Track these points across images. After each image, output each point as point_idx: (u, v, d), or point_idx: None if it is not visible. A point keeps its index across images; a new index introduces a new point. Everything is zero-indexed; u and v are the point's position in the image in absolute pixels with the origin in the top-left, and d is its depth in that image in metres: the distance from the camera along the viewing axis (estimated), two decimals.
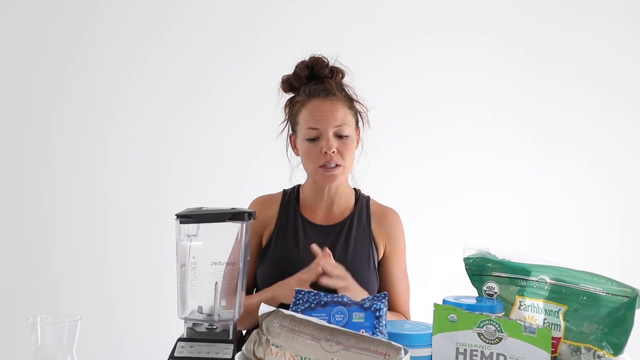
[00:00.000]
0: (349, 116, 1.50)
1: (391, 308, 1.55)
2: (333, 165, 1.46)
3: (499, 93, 2.85)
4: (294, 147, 1.58)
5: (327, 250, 1.41)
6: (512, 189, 2.83)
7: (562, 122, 2.85)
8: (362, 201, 1.60)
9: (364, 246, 1.54)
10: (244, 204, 1.61)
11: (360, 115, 1.57)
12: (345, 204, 1.59)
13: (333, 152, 1.45)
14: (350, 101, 1.53)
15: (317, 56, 1.54)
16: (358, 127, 1.56)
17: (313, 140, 1.48)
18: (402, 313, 1.58)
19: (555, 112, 2.85)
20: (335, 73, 1.53)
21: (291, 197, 1.60)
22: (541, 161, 2.85)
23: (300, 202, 1.60)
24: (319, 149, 1.47)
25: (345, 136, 1.48)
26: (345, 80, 1.55)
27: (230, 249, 1.28)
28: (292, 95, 1.57)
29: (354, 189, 1.63)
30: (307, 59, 1.54)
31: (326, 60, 1.54)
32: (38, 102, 2.88)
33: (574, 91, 2.85)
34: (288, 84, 1.56)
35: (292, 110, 1.55)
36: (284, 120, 1.61)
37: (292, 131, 1.58)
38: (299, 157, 1.57)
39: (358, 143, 1.56)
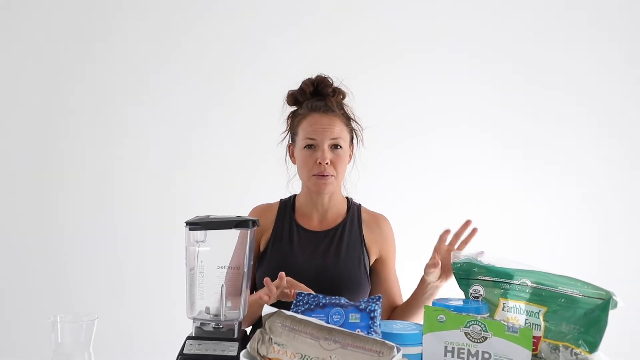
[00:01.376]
0: (345, 132, 1.58)
1: (389, 308, 1.63)
2: (326, 174, 1.54)
3: (487, 110, 2.96)
4: (292, 156, 1.66)
5: (282, 274, 1.39)
6: (497, 199, 2.93)
7: (545, 138, 2.96)
8: (353, 209, 1.67)
9: (356, 250, 1.60)
10: (245, 211, 1.68)
11: (355, 133, 1.64)
12: (337, 211, 1.65)
13: (327, 163, 1.53)
14: (347, 119, 1.61)
15: (323, 75, 1.62)
16: (352, 144, 1.63)
17: (310, 148, 1.56)
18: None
19: (539, 129, 2.96)
20: (337, 93, 1.61)
21: (287, 206, 1.67)
22: (525, 173, 2.97)
23: (295, 210, 1.66)
24: (315, 158, 1.54)
25: (340, 147, 1.56)
26: (346, 101, 1.63)
27: (233, 254, 1.34)
28: (295, 108, 1.65)
29: (346, 197, 1.70)
30: (314, 76, 1.62)
31: (331, 81, 1.62)
32: (54, 111, 2.95)
33: (556, 108, 2.96)
34: (293, 97, 1.64)
35: (294, 122, 1.63)
36: (285, 131, 1.68)
37: (292, 141, 1.65)
38: (296, 166, 1.64)
39: (351, 158, 1.64)
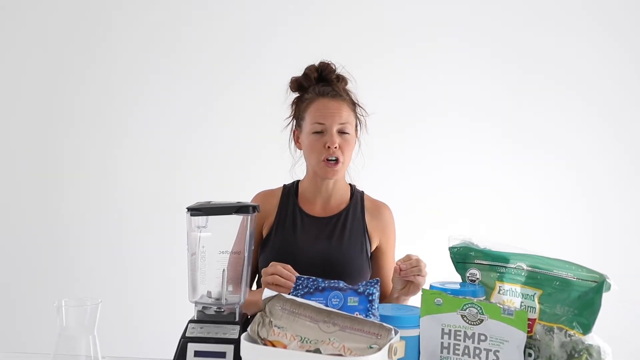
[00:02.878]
0: (352, 117, 1.60)
1: (384, 296, 1.63)
2: (334, 159, 1.55)
3: (484, 98, 2.99)
4: (297, 142, 1.66)
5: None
6: (495, 187, 2.97)
7: (538, 124, 2.99)
8: (357, 196, 1.69)
9: (358, 237, 1.62)
10: (247, 198, 1.70)
11: (359, 119, 1.65)
12: (341, 198, 1.67)
13: (335, 147, 1.54)
14: (353, 105, 1.63)
15: (326, 62, 1.63)
16: (357, 130, 1.65)
17: (318, 133, 1.56)
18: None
19: (533, 116, 3.00)
20: (341, 79, 1.63)
21: (290, 192, 1.68)
22: (523, 161, 3.00)
23: (299, 196, 1.68)
24: (323, 143, 1.55)
25: (347, 134, 1.57)
26: (348, 87, 1.65)
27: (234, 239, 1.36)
28: (299, 94, 1.66)
29: (350, 184, 1.72)
30: (317, 63, 1.63)
31: (334, 67, 1.63)
32: (57, 99, 2.99)
33: (550, 96, 2.99)
34: (297, 83, 1.64)
35: (300, 107, 1.63)
36: (289, 117, 1.68)
37: (297, 126, 1.65)
38: (301, 151, 1.65)
39: (355, 144, 1.65)
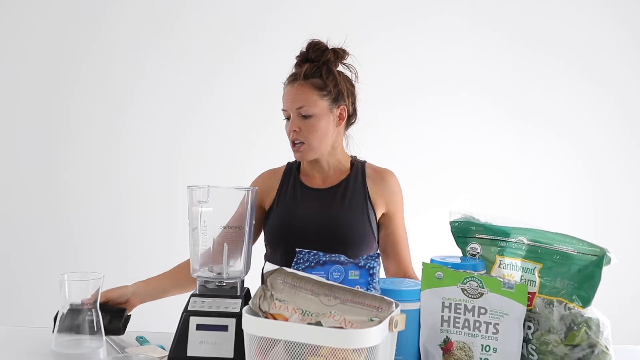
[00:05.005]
0: (314, 98, 1.56)
1: (396, 261, 1.65)
2: (298, 142, 1.58)
3: (486, 76, 3.01)
4: None
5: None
6: (495, 161, 3.00)
7: (539, 101, 3.01)
8: (357, 166, 1.69)
9: (359, 203, 1.62)
10: (251, 178, 1.74)
11: (348, 93, 1.62)
12: (340, 169, 1.68)
13: (295, 131, 1.57)
14: (323, 82, 1.57)
15: (314, 40, 1.61)
16: (339, 104, 1.61)
17: (286, 120, 1.61)
18: (406, 268, 1.66)
19: (533, 93, 3.01)
20: (329, 55, 1.59)
21: (293, 167, 1.72)
22: (520, 136, 3.02)
23: (300, 171, 1.71)
24: (289, 129, 1.60)
25: (309, 116, 1.56)
26: (343, 61, 1.63)
27: (235, 214, 1.37)
28: None
29: (351, 156, 1.72)
30: (306, 43, 1.62)
31: (324, 45, 1.60)
32: (60, 75, 3.00)
33: (551, 73, 3.00)
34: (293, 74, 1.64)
35: None
36: None
37: None
38: None
39: (342, 119, 1.63)
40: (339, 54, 1.62)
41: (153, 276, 1.54)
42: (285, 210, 1.64)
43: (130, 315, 1.36)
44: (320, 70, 1.59)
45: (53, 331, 1.17)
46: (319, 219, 1.60)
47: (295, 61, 1.65)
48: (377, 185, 1.66)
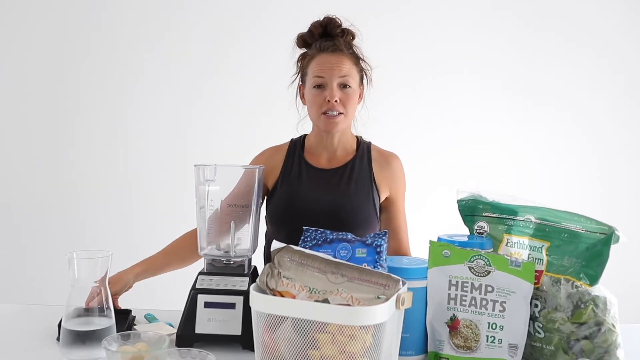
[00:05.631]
0: (354, 71, 1.58)
1: (395, 246, 1.65)
2: (335, 113, 1.55)
3: (493, 55, 2.99)
4: (302, 98, 1.66)
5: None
6: (503, 140, 2.99)
7: (548, 80, 2.99)
8: (363, 147, 1.68)
9: (365, 187, 1.62)
10: (254, 153, 1.72)
11: (365, 73, 1.64)
12: (346, 150, 1.67)
13: (336, 100, 1.54)
14: (356, 59, 1.61)
15: (331, 16, 1.61)
16: (362, 84, 1.63)
17: (319, 87, 1.56)
18: (405, 252, 1.67)
19: (542, 72, 2.99)
20: (346, 34, 1.61)
21: (297, 145, 1.69)
22: (529, 115, 3.00)
23: (305, 149, 1.69)
24: (324, 97, 1.55)
25: (349, 87, 1.56)
26: (355, 42, 1.62)
27: (238, 192, 1.38)
28: (305, 50, 1.65)
29: (357, 136, 1.71)
30: (322, 18, 1.61)
31: (339, 21, 1.61)
32: (67, 56, 3.02)
33: (559, 52, 2.98)
34: (302, 40, 1.64)
35: (303, 63, 1.64)
36: (295, 73, 1.68)
37: (302, 82, 1.65)
38: (306, 107, 1.65)
39: (361, 98, 1.64)
40: (352, 35, 1.62)
41: (148, 257, 1.54)
42: (290, 190, 1.63)
43: (135, 316, 1.37)
44: (352, 47, 1.61)
45: (58, 339, 1.17)
46: (324, 200, 1.59)
47: (305, 33, 1.63)
48: (382, 169, 1.66)
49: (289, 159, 1.68)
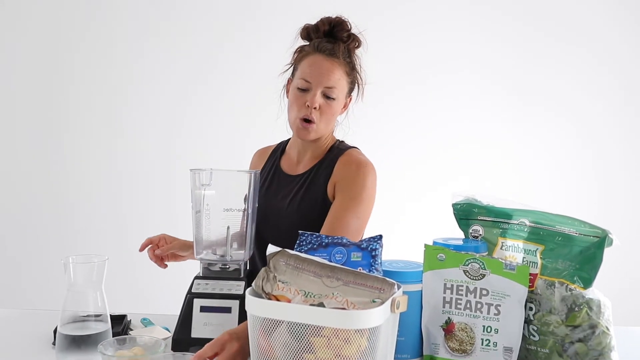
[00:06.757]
0: (343, 82, 1.51)
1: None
2: (310, 120, 1.49)
3: (491, 57, 2.99)
4: (287, 91, 1.60)
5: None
6: (498, 143, 3.00)
7: (540, 82, 3.00)
8: (333, 152, 1.59)
9: (317, 194, 1.53)
10: (249, 154, 1.72)
11: (358, 86, 1.58)
12: (316, 156, 1.59)
13: (315, 107, 1.48)
14: (350, 68, 1.54)
15: (343, 18, 1.54)
16: (350, 96, 1.57)
17: (302, 91, 1.50)
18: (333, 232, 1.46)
19: (539, 75, 3.00)
20: (352, 40, 1.54)
21: (279, 149, 1.66)
22: (521, 117, 3.02)
23: (284, 153, 1.65)
24: (304, 100, 1.49)
25: (332, 98, 1.49)
26: (358, 51, 1.56)
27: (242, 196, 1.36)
28: (304, 44, 1.58)
29: (338, 140, 1.63)
30: (334, 16, 1.54)
31: (349, 26, 1.54)
32: (61, 57, 2.99)
33: (554, 53, 3.00)
34: (306, 31, 1.56)
35: (298, 57, 1.57)
36: (289, 64, 1.62)
37: (292, 75, 1.59)
38: (287, 102, 1.59)
39: (345, 108, 1.58)
40: (358, 43, 1.55)
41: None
42: (261, 194, 1.57)
43: (130, 320, 1.37)
44: (351, 56, 1.54)
45: (54, 344, 1.17)
46: (277, 208, 1.54)
47: (311, 25, 1.56)
48: (340, 171, 1.54)
49: (267, 163, 1.65)
